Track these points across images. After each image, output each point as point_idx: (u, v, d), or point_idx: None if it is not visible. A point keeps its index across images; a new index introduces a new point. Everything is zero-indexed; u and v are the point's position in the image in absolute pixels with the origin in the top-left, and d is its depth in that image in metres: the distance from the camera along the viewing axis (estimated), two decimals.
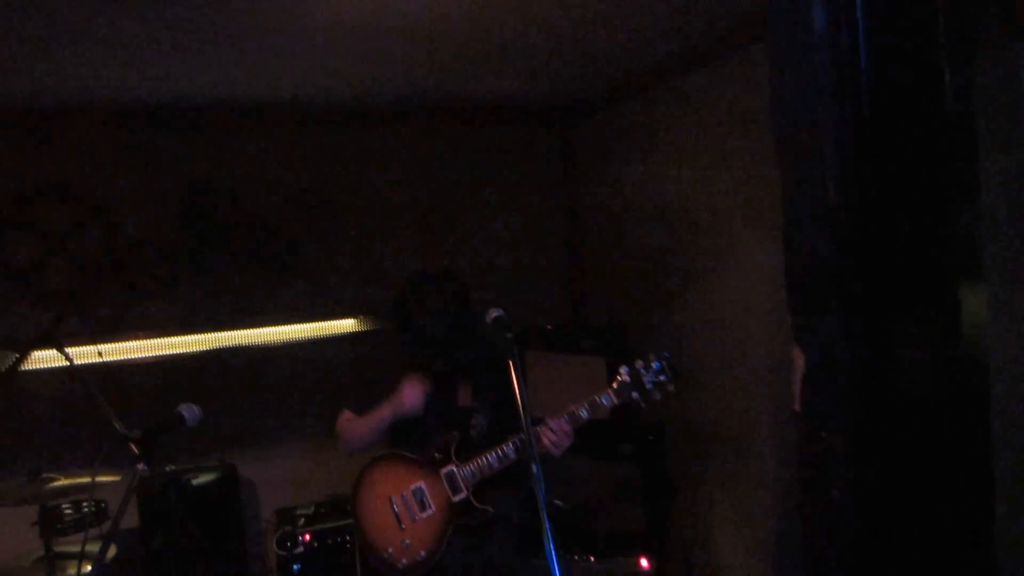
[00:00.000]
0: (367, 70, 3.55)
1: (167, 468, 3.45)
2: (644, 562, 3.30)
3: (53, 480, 2.73)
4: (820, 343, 1.18)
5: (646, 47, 3.46)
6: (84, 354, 3.49)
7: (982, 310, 1.07)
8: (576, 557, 3.29)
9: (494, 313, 2.33)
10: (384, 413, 2.65)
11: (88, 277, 3.88)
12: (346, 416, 2.78)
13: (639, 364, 2.49)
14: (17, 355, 2.94)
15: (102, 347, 3.62)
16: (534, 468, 2.12)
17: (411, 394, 2.62)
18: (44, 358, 3.51)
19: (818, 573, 1.21)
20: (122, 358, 3.88)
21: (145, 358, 3.96)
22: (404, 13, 2.82)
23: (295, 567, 3.48)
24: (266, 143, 4.18)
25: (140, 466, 1.94)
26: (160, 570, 3.46)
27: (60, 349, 2.83)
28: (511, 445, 2.52)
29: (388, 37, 3.08)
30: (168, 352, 3.98)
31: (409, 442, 2.69)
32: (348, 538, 3.62)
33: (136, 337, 3.95)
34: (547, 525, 1.98)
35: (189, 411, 2.13)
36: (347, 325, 4.24)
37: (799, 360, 1.27)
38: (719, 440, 3.63)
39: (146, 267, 3.98)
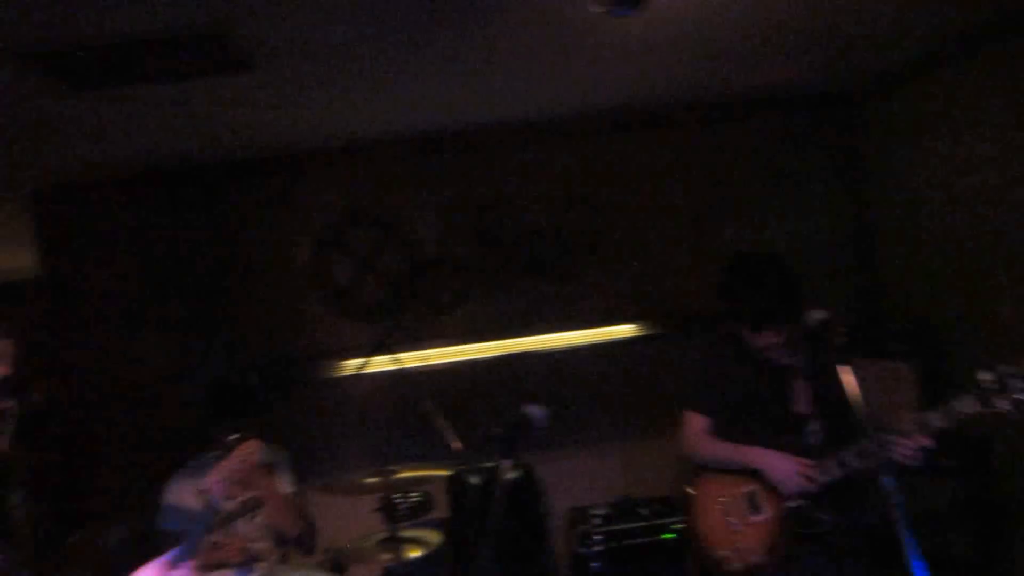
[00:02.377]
0: (638, 77, 3.62)
1: (477, 466, 3.71)
2: None
3: (394, 472, 3.06)
4: None
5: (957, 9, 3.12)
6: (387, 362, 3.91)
7: None
8: None
9: (818, 315, 2.26)
10: (746, 461, 2.58)
11: (394, 293, 4.33)
12: (697, 423, 2.75)
13: (1004, 369, 2.18)
14: (362, 362, 3.34)
15: (401, 356, 4.01)
16: (885, 481, 2.02)
17: (787, 480, 2.51)
18: (377, 364, 3.95)
19: None
20: (419, 365, 4.25)
21: (439, 365, 4.31)
22: (678, 11, 2.82)
23: (594, 565, 3.59)
24: (541, 158, 4.40)
25: (504, 461, 2.10)
26: (472, 558, 3.75)
27: (392, 356, 3.19)
28: (854, 454, 2.38)
29: (663, 41, 3.11)
30: (460, 359, 4.31)
31: (739, 443, 2.64)
32: (639, 540, 3.67)
33: (433, 346, 4.32)
34: (907, 540, 1.88)
35: (536, 411, 2.26)
36: (626, 330, 4.32)
37: None
38: None
39: (441, 282, 4.35)
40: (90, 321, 4.30)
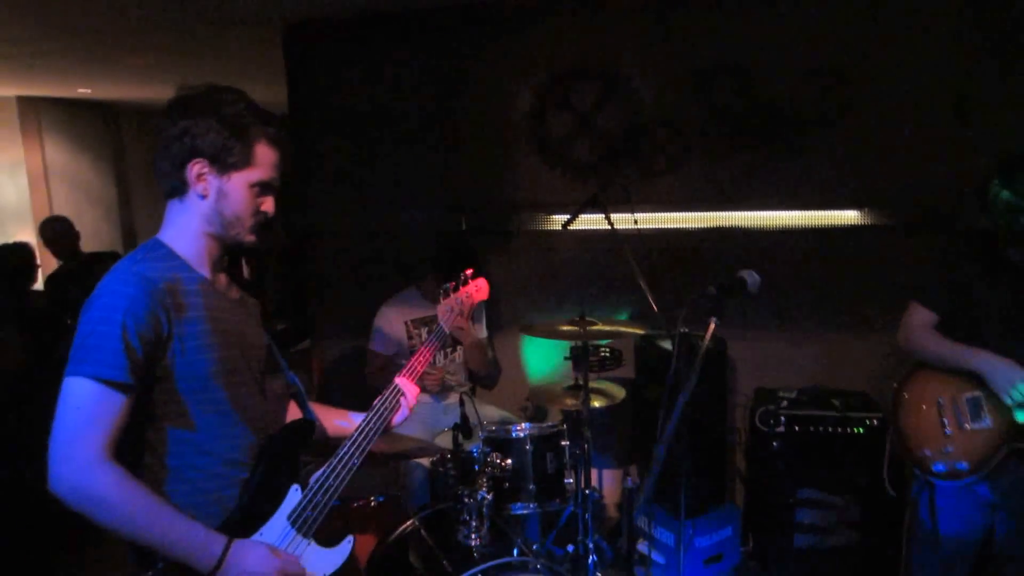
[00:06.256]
0: None
1: (670, 331, 3.74)
2: None
3: (593, 324, 3.19)
4: None
5: None
6: (600, 221, 3.95)
7: None
8: None
9: None
10: (970, 363, 2.44)
11: (608, 152, 4.32)
12: (921, 317, 2.62)
13: None
14: (570, 216, 3.44)
15: (613, 216, 4.01)
16: None
17: (1011, 390, 2.33)
18: (584, 221, 4.02)
19: None
20: (626, 227, 4.24)
21: (646, 229, 4.27)
22: None
23: (774, 444, 3.59)
24: (780, 22, 4.04)
25: (713, 320, 2.13)
26: (648, 418, 3.89)
27: (605, 214, 3.25)
28: None
29: None
30: (668, 226, 4.27)
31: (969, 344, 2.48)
32: (827, 430, 3.59)
33: (642, 210, 4.28)
34: None
35: (751, 277, 2.27)
36: (849, 217, 4.03)
37: None
38: None
39: (657, 145, 4.26)
40: (326, 156, 4.72)
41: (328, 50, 4.63)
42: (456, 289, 2.37)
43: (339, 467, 1.91)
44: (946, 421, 2.49)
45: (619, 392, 3.51)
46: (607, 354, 3.54)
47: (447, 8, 4.37)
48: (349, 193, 4.71)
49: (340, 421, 2.18)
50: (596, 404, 3.37)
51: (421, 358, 2.20)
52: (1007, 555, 2.51)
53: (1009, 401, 2.35)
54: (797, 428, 3.60)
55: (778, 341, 4.20)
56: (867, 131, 3.97)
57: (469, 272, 2.45)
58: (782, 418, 3.60)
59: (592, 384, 3.37)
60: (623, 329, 3.34)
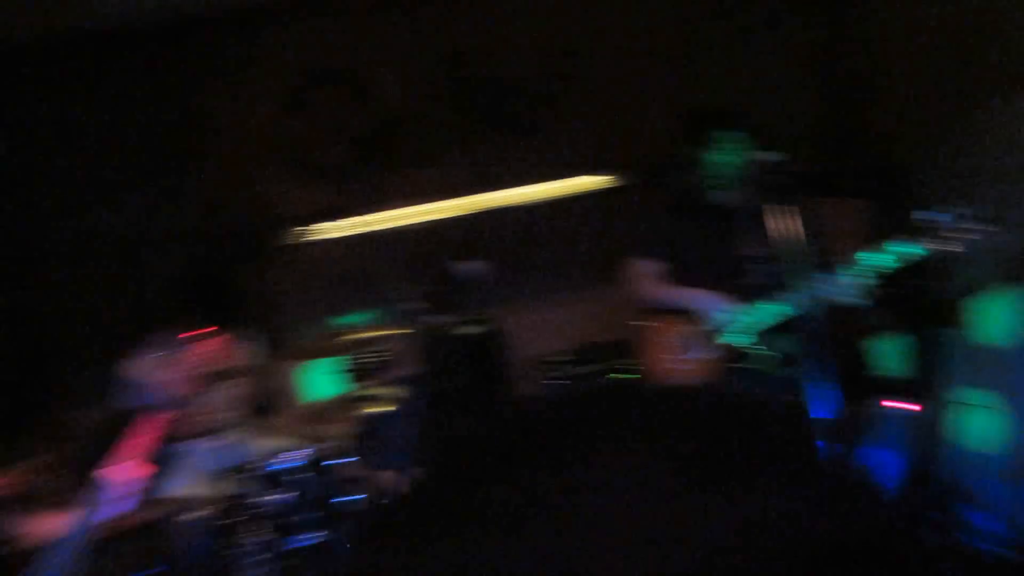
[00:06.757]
0: None
1: (443, 320, 3.77)
2: None
3: (348, 334, 3.13)
4: None
5: None
6: (356, 225, 3.89)
7: None
8: None
9: (768, 158, 2.35)
10: (680, 301, 2.72)
11: (357, 153, 4.22)
12: (641, 269, 2.86)
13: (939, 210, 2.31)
14: (325, 226, 3.34)
15: (368, 217, 3.97)
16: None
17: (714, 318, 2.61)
18: (328, 229, 3.93)
19: None
20: (386, 227, 4.22)
21: (407, 225, 4.27)
22: None
23: (554, 408, 3.74)
24: (508, 4, 4.15)
25: (426, 318, 2.14)
26: (437, 409, 3.91)
27: (342, 221, 3.17)
28: (794, 292, 2.42)
29: None
30: (428, 218, 4.27)
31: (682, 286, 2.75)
32: (597, 383, 3.80)
33: (399, 207, 4.26)
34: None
35: (463, 268, 2.29)
36: (596, 181, 4.26)
37: None
38: None
39: (407, 140, 4.24)
40: (54, 197, 4.22)
41: (45, 76, 4.14)
42: (184, 351, 2.20)
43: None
44: (668, 356, 2.76)
45: (399, 392, 3.47)
46: (380, 359, 3.49)
47: (173, 22, 4.04)
48: (85, 236, 4.24)
49: (52, 523, 1.96)
50: (380, 409, 3.32)
51: (139, 435, 2.01)
52: None
53: (715, 327, 2.63)
54: (569, 386, 3.78)
55: (553, 308, 4.36)
56: (597, 101, 4.21)
57: (205, 331, 2.28)
58: (554, 382, 3.77)
59: (372, 391, 3.32)
60: (382, 332, 3.30)
